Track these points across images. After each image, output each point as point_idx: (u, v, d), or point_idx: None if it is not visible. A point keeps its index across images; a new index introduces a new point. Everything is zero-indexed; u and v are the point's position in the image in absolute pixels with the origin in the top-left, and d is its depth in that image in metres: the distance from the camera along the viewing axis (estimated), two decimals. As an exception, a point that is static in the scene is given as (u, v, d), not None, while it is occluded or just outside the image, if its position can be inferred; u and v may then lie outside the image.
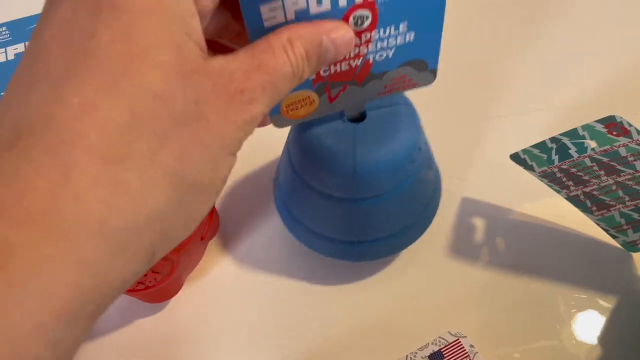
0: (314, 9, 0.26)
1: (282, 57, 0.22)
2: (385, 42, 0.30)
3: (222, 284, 0.37)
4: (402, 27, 0.29)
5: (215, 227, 0.37)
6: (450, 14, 0.29)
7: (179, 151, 0.18)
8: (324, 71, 0.31)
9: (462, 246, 0.38)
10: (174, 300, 0.36)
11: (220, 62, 0.20)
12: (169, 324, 0.36)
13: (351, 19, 0.29)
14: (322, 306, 0.36)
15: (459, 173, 0.41)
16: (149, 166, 0.18)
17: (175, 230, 0.19)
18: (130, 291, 0.33)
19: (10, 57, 0.45)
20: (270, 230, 0.39)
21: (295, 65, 0.22)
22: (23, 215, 0.16)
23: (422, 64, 0.30)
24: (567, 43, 0.48)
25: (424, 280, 0.37)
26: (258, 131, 0.40)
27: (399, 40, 0.30)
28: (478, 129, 0.43)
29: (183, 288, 0.36)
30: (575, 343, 0.34)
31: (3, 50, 0.45)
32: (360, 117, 0.33)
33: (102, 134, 0.17)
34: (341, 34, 0.24)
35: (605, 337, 0.34)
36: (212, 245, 0.38)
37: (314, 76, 0.29)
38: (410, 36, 0.29)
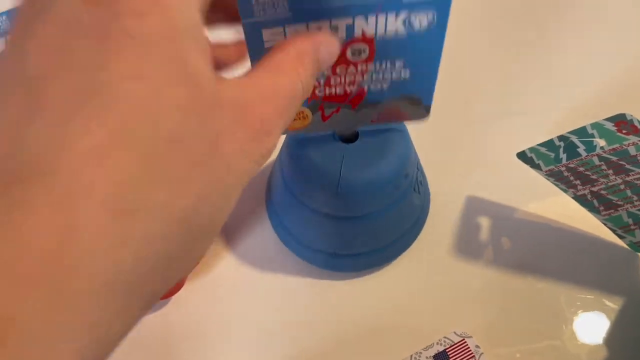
0: None
1: (294, 77, 0.21)
2: (381, 75, 0.30)
3: (222, 282, 0.37)
4: (398, 64, 0.29)
5: None
6: (456, 13, 0.28)
7: (195, 195, 0.17)
8: (319, 91, 0.31)
9: (467, 245, 0.37)
10: (175, 298, 0.36)
11: (234, 90, 0.19)
12: (169, 322, 0.35)
13: (349, 49, 0.29)
14: (324, 305, 0.36)
15: (463, 171, 0.40)
16: (163, 216, 0.16)
17: (178, 273, 0.18)
18: None
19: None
20: (268, 229, 0.39)
21: (306, 82, 0.21)
22: (23, 281, 0.14)
23: (415, 99, 0.30)
24: (574, 42, 0.47)
25: (428, 280, 0.36)
26: None
27: (394, 75, 0.30)
28: (484, 127, 0.43)
29: (184, 286, 0.36)
30: (580, 344, 0.34)
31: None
32: (352, 138, 0.33)
33: (113, 184, 0.15)
34: (334, 46, 0.24)
35: (611, 338, 0.34)
36: (214, 243, 0.38)
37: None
38: (406, 73, 0.29)
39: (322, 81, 0.30)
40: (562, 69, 0.46)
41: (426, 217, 0.38)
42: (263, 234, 0.38)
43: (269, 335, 0.35)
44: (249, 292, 0.36)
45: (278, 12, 0.25)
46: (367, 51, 0.28)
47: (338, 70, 0.29)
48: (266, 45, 0.26)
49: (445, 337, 0.29)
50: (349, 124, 0.31)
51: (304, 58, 0.22)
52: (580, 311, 0.35)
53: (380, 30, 0.27)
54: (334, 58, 0.24)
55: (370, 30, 0.27)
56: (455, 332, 0.29)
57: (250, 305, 0.36)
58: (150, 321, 0.35)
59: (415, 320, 0.34)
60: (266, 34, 0.26)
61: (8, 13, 0.39)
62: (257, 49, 0.26)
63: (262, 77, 0.20)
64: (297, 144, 0.32)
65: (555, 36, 0.48)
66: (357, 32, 0.27)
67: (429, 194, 0.38)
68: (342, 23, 0.27)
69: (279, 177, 0.35)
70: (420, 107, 0.31)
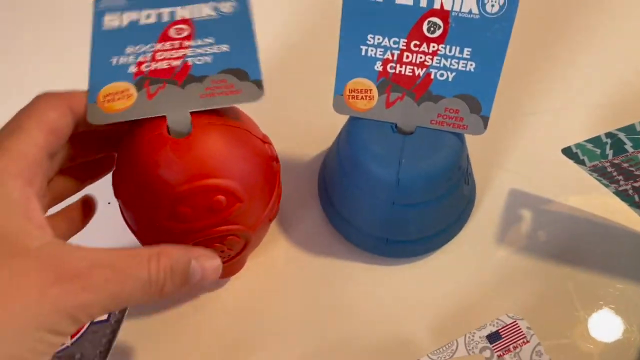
0: None
1: (142, 263, 0.23)
2: (449, 61, 0.32)
3: (277, 263, 0.39)
4: (466, 52, 0.31)
5: (278, 209, 0.38)
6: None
7: None
8: (391, 67, 0.33)
9: (510, 235, 0.39)
10: (235, 277, 0.38)
11: (64, 249, 0.22)
12: (231, 297, 0.37)
13: (425, 23, 0.31)
14: (375, 289, 0.38)
15: (508, 164, 0.42)
16: None
17: None
18: None
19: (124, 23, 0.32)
20: (320, 214, 0.41)
21: (155, 274, 0.23)
22: None
23: (476, 103, 0.32)
24: (616, 39, 0.49)
25: (473, 267, 0.38)
26: (312, 121, 0.42)
27: (461, 65, 0.32)
28: (530, 122, 0.45)
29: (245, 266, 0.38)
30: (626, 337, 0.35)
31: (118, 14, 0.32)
32: (410, 131, 0.34)
33: None
34: (209, 262, 0.26)
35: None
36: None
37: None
38: (472, 66, 0.31)
39: (396, 54, 0.32)
40: (602, 67, 0.48)
41: (473, 207, 0.39)
42: (315, 219, 0.40)
43: (317, 314, 0.37)
44: (301, 274, 0.38)
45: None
46: (442, 29, 0.30)
47: (412, 45, 0.32)
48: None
49: (497, 319, 0.31)
50: (409, 118, 0.33)
51: (162, 257, 0.24)
52: (614, 303, 0.36)
53: (457, 5, 0.30)
54: (214, 271, 0.26)
55: (448, 3, 0.30)
56: (507, 315, 0.31)
57: (301, 286, 0.38)
58: (214, 295, 0.37)
59: (465, 302, 0.36)
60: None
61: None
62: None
63: (108, 254, 0.23)
64: (358, 132, 0.34)
65: (596, 34, 0.50)
66: (437, 3, 0.30)
67: (475, 186, 0.40)
68: None
69: (335, 163, 0.37)
70: (478, 116, 0.32)
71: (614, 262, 0.38)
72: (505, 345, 0.30)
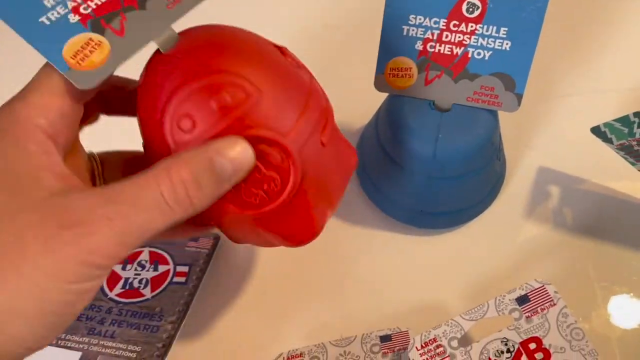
0: None
1: (149, 186, 0.21)
2: (486, 40, 0.34)
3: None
4: (503, 31, 0.34)
5: (333, 127, 0.28)
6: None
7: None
8: (430, 47, 0.35)
9: (538, 211, 0.41)
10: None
11: (69, 197, 0.21)
12: (268, 266, 0.40)
13: (465, 4, 0.33)
14: (409, 258, 0.40)
15: (538, 143, 0.44)
16: None
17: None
18: (250, 215, 0.26)
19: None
20: (357, 187, 0.43)
21: (169, 192, 0.22)
22: None
23: (510, 81, 0.34)
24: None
25: (503, 238, 0.40)
26: (352, 97, 0.43)
27: (497, 44, 0.34)
28: (560, 103, 0.46)
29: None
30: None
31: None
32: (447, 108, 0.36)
33: None
34: (233, 150, 0.23)
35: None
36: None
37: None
38: (507, 45, 0.33)
39: (436, 34, 0.34)
40: (633, 52, 0.49)
41: (503, 182, 0.42)
42: (351, 189, 0.43)
43: (353, 282, 0.39)
44: (336, 241, 0.41)
45: None
46: (480, 9, 0.33)
47: (452, 25, 0.34)
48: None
49: (526, 284, 0.33)
50: (447, 95, 0.35)
51: (173, 168, 0.22)
52: (635, 290, 0.38)
53: None
54: (241, 162, 0.23)
55: None
56: (535, 280, 0.33)
57: (337, 253, 0.41)
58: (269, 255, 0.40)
59: (494, 272, 0.38)
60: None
61: None
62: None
63: (108, 188, 0.22)
64: (398, 109, 0.36)
65: (633, 15, 0.51)
66: None
67: (505, 162, 0.42)
68: None
69: (374, 138, 0.39)
70: (512, 93, 0.34)
71: (638, 239, 0.40)
72: (533, 307, 0.32)
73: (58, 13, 0.26)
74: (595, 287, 0.38)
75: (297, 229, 0.28)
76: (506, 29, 0.33)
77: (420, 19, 0.34)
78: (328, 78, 0.47)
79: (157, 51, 0.26)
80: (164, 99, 0.24)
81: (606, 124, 0.38)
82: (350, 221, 0.42)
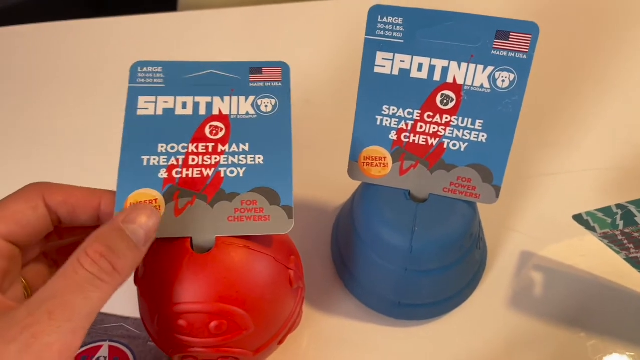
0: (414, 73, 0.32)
1: (74, 269, 0.23)
2: (461, 132, 0.33)
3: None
4: (478, 123, 0.32)
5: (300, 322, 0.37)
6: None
7: None
8: (405, 137, 0.34)
9: (521, 298, 0.39)
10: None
11: (8, 315, 0.22)
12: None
13: (439, 95, 0.32)
14: (386, 350, 0.38)
15: (519, 227, 0.43)
16: None
17: None
18: None
19: (159, 111, 0.31)
20: (333, 275, 0.41)
21: (91, 267, 0.23)
22: None
23: (488, 172, 0.33)
24: (628, 101, 0.50)
25: (484, 329, 0.38)
26: (329, 175, 0.42)
27: (473, 136, 0.33)
28: (538, 185, 0.45)
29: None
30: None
31: (153, 99, 0.31)
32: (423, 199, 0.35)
33: None
34: (140, 215, 0.25)
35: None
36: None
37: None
38: (484, 137, 0.32)
39: (410, 125, 0.33)
40: (612, 131, 0.48)
41: (484, 270, 0.40)
42: (327, 274, 0.41)
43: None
44: (313, 333, 0.39)
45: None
46: (454, 101, 0.32)
47: (426, 116, 0.33)
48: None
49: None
50: (422, 186, 0.34)
51: (88, 248, 0.23)
52: None
53: (469, 79, 0.31)
54: (150, 224, 0.25)
55: (460, 77, 0.31)
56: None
57: (313, 345, 0.38)
58: None
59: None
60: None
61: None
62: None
63: (41, 291, 0.23)
64: (372, 198, 0.35)
65: (608, 96, 0.51)
66: (450, 78, 0.31)
67: (487, 249, 0.41)
68: None
69: (349, 225, 0.38)
70: (490, 186, 0.33)
71: (625, 327, 0.38)
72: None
73: (157, 162, 0.29)
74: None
75: None
76: (482, 121, 0.32)
77: (393, 110, 0.33)
78: (308, 153, 0.47)
79: (191, 246, 0.29)
80: (169, 301, 0.28)
81: (588, 213, 0.36)
82: (324, 309, 0.40)
